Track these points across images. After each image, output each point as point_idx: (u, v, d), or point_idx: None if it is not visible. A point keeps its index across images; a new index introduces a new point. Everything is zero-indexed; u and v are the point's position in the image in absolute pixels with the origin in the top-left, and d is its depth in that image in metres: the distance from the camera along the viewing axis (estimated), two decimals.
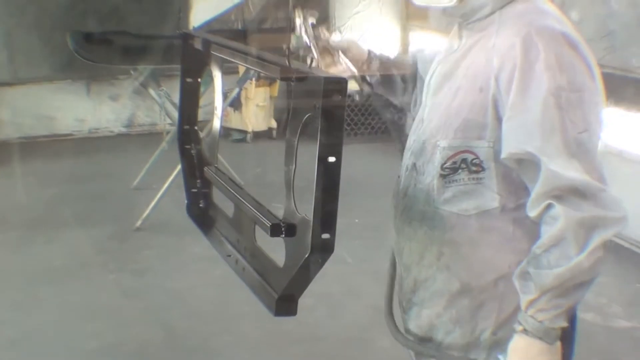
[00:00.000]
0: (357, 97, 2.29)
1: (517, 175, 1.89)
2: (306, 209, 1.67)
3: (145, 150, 6.75)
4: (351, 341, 4.20)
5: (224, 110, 7.26)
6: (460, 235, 1.97)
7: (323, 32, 2.16)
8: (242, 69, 6.48)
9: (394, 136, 2.34)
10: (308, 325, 4.19)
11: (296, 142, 1.74)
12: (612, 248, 1.79)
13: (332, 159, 1.61)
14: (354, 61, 2.25)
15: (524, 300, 1.82)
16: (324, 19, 7.94)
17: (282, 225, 1.74)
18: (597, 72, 1.87)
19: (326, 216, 1.62)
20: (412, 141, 2.09)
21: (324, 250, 1.63)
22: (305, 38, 2.12)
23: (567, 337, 1.96)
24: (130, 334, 4.24)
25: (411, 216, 2.06)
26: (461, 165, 1.93)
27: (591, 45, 1.92)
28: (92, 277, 4.94)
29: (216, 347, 4.13)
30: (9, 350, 4.06)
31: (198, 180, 2.36)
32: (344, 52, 2.23)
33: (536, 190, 1.79)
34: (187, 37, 2.35)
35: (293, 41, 2.17)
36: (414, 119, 2.24)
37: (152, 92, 6.36)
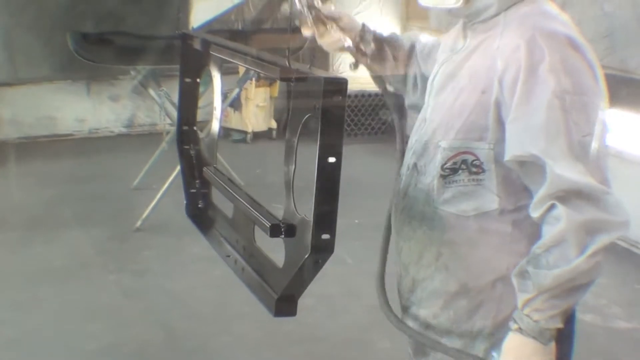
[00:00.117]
0: (352, 68, 2.27)
1: (517, 178, 1.89)
2: (306, 210, 1.67)
3: (145, 150, 6.75)
4: (351, 342, 4.20)
5: (223, 110, 7.26)
6: (459, 236, 1.98)
7: (317, 0, 2.15)
8: (242, 69, 6.47)
9: (388, 104, 2.31)
10: (308, 325, 4.19)
11: (296, 143, 1.74)
12: (611, 249, 1.79)
13: (332, 160, 1.61)
14: (347, 31, 2.22)
15: (521, 298, 1.83)
16: None
17: (282, 225, 1.74)
18: (600, 74, 1.87)
19: (326, 216, 1.62)
20: (413, 141, 2.09)
21: (324, 250, 1.63)
22: (298, 6, 2.11)
23: (566, 338, 1.96)
24: (130, 335, 4.24)
25: (411, 216, 2.06)
26: (461, 166, 1.93)
27: (591, 46, 1.92)
28: (91, 277, 4.94)
29: (216, 348, 4.13)
30: (8, 351, 4.05)
31: (197, 181, 2.36)
32: (337, 22, 2.21)
33: (541, 192, 1.79)
34: (185, 37, 2.35)
35: (287, 8, 2.17)
36: (412, 105, 2.24)
37: (152, 92, 6.35)
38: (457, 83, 1.98)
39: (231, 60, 2.06)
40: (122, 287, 4.80)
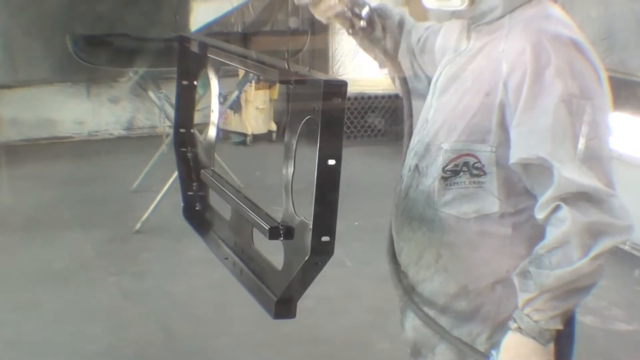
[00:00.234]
0: (350, 32, 2.25)
1: (519, 181, 1.89)
2: (306, 212, 1.67)
3: (145, 152, 6.76)
4: (351, 343, 4.20)
5: (223, 112, 7.26)
6: (459, 238, 1.98)
7: None
8: (241, 72, 6.48)
9: (378, 60, 2.29)
10: (308, 327, 4.19)
11: (295, 145, 1.74)
12: (612, 251, 1.79)
13: (331, 162, 1.60)
14: None
15: (522, 298, 1.83)
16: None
17: (281, 228, 1.74)
18: (604, 77, 1.87)
19: (326, 219, 1.62)
20: (415, 142, 2.09)
21: (323, 252, 1.63)
22: None
23: (566, 340, 1.96)
24: (130, 336, 4.24)
25: (411, 217, 2.06)
26: (463, 169, 1.93)
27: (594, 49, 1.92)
28: (91, 279, 4.94)
29: (216, 349, 4.13)
30: (8, 352, 4.05)
31: (194, 183, 2.36)
32: None
33: (547, 194, 1.79)
34: (183, 40, 2.35)
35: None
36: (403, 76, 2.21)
37: (151, 94, 6.36)
38: (460, 85, 1.98)
39: (229, 62, 2.05)
40: (122, 288, 4.81)
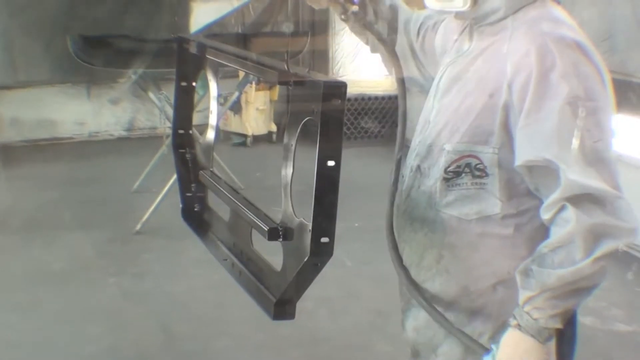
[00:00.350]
0: (342, 18, 2.24)
1: (521, 182, 1.89)
2: (306, 213, 1.67)
3: (145, 153, 6.76)
4: (351, 344, 4.19)
5: (223, 114, 7.27)
6: (460, 239, 1.98)
7: None
8: (242, 73, 6.48)
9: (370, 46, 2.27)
10: (308, 328, 4.19)
11: (294, 146, 1.74)
12: (614, 253, 1.80)
13: (331, 163, 1.60)
14: None
15: (523, 295, 1.83)
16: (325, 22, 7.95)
17: (280, 229, 1.74)
18: (608, 79, 1.87)
19: (325, 220, 1.61)
20: (417, 142, 2.08)
21: (323, 254, 1.63)
22: None
23: (568, 341, 1.96)
24: (130, 337, 4.24)
25: (413, 217, 2.06)
26: (465, 170, 1.93)
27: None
28: (91, 280, 4.94)
29: (216, 350, 4.13)
30: (8, 353, 4.05)
31: (193, 185, 2.36)
32: None
33: (554, 196, 1.79)
34: (182, 41, 2.35)
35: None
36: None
37: (152, 95, 6.36)
38: (463, 86, 1.97)
39: (228, 64, 2.05)
40: (122, 289, 4.81)
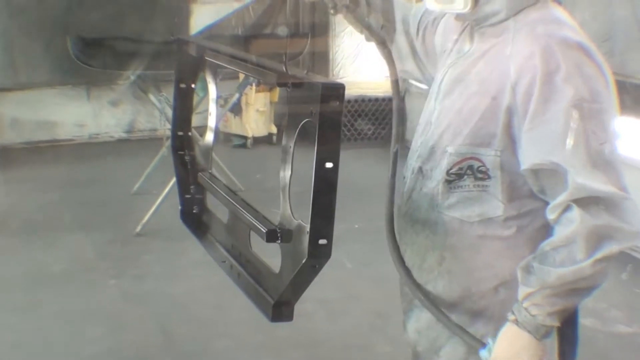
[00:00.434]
0: (332, 12, 2.21)
1: (523, 184, 1.90)
2: (305, 215, 1.67)
3: (145, 155, 6.75)
4: (351, 346, 4.19)
5: (223, 115, 7.27)
6: (462, 241, 1.98)
7: None
8: (242, 74, 6.48)
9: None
10: (308, 330, 4.18)
11: (292, 148, 1.74)
12: (617, 256, 1.80)
13: (329, 165, 1.60)
14: None
15: (522, 291, 1.84)
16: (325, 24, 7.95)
17: (278, 231, 1.74)
18: (611, 80, 1.87)
19: (323, 222, 1.62)
20: (418, 144, 2.08)
21: (321, 255, 1.63)
22: None
23: (569, 342, 1.97)
24: (130, 339, 4.24)
25: (414, 219, 2.06)
26: (467, 172, 1.93)
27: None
28: (92, 281, 4.94)
29: (215, 352, 4.13)
30: (9, 354, 4.05)
31: (192, 186, 2.36)
32: None
33: (561, 198, 1.79)
34: (181, 42, 2.35)
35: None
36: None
37: (152, 97, 6.36)
38: (465, 88, 1.97)
39: (227, 66, 2.05)
40: (122, 291, 4.80)
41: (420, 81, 2.34)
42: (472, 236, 1.97)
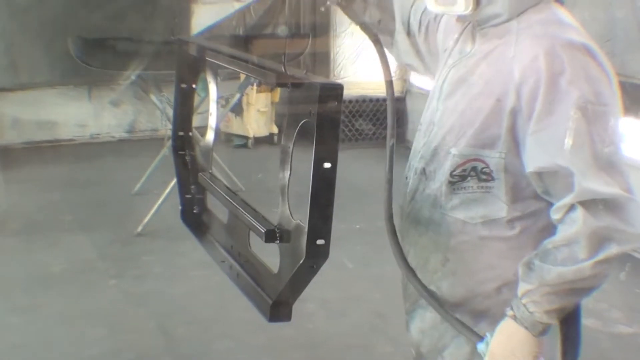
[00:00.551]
0: (322, 9, 2.21)
1: (527, 186, 1.89)
2: (303, 215, 1.67)
3: (146, 155, 6.76)
4: (352, 346, 4.19)
5: (224, 115, 7.27)
6: (466, 242, 1.99)
7: None
8: (243, 75, 6.48)
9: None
10: (309, 330, 4.18)
11: (291, 148, 1.74)
12: (620, 258, 1.80)
13: (327, 165, 1.61)
14: None
15: (522, 287, 1.84)
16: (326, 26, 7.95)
17: (277, 231, 1.74)
18: (615, 81, 1.87)
19: (321, 222, 1.62)
20: (421, 144, 2.08)
21: (318, 256, 1.63)
22: None
23: (572, 343, 1.97)
24: (131, 339, 4.24)
25: (417, 220, 2.06)
26: (470, 173, 1.93)
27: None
28: (92, 282, 4.94)
29: (216, 352, 4.13)
30: (9, 354, 4.05)
31: (192, 186, 2.36)
32: None
33: (566, 200, 1.79)
34: (182, 43, 2.35)
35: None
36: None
37: (153, 97, 6.36)
38: (468, 89, 1.97)
39: (227, 66, 2.06)
40: (123, 292, 4.81)
41: (425, 75, 2.32)
42: (475, 237, 1.97)
